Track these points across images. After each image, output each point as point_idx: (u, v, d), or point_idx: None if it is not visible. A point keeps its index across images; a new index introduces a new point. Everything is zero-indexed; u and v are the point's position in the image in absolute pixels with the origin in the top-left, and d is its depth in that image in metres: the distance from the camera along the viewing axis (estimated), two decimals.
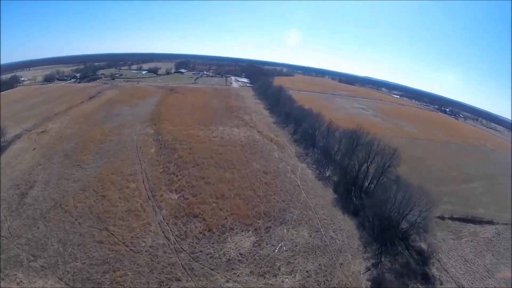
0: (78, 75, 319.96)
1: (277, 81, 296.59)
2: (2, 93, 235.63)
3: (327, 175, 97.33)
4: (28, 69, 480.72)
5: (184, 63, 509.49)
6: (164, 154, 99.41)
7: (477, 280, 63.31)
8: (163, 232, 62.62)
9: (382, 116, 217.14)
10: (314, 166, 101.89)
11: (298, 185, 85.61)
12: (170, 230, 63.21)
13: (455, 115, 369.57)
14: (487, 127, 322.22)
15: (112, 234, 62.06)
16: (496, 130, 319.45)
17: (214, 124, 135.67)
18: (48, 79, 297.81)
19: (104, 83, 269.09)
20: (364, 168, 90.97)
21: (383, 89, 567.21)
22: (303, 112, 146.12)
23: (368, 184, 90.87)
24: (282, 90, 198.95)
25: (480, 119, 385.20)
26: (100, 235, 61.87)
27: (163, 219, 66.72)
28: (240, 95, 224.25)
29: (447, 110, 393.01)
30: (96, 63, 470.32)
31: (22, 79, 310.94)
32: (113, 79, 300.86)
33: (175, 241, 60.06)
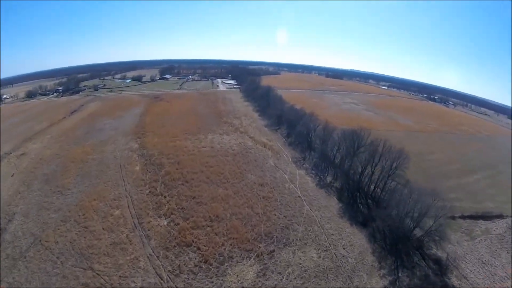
0: (60, 88, 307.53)
1: (265, 80, 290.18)
2: None
3: (329, 181, 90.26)
4: (11, 85, 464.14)
5: (169, 68, 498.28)
6: (150, 172, 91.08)
7: (496, 283, 59.00)
8: (153, 268, 54.58)
9: (374, 109, 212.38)
10: (314, 172, 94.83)
11: (299, 196, 78.46)
12: (162, 265, 55.22)
13: (445, 103, 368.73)
14: (477, 112, 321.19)
15: (97, 274, 53.92)
16: (486, 114, 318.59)
17: (203, 132, 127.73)
18: (30, 95, 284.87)
19: (87, 95, 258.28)
20: (368, 171, 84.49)
21: (370, 81, 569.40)
22: (296, 112, 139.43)
23: (374, 188, 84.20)
24: (271, 91, 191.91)
25: (469, 104, 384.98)
26: (85, 275, 53.74)
27: (153, 251, 58.64)
28: (228, 98, 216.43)
29: (436, 98, 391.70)
30: (80, 75, 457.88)
31: (4, 96, 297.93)
32: (96, 90, 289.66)
33: (168, 279, 52.13)
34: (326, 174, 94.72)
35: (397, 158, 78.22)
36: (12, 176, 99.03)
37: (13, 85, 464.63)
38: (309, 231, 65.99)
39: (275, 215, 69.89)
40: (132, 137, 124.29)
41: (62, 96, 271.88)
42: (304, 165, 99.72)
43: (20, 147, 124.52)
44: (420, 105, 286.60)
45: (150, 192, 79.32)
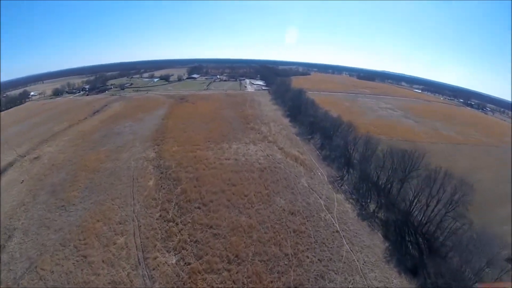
0: (87, 87, 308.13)
1: (295, 81, 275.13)
2: (10, 110, 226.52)
3: (372, 210, 74.18)
4: (42, 82, 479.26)
5: (197, 68, 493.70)
6: (164, 189, 79.31)
7: None
8: None
9: (413, 116, 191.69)
10: (354, 197, 78.76)
11: (337, 231, 63.28)
12: None
13: (482, 109, 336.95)
14: None
15: None
16: None
17: (227, 140, 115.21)
18: (57, 93, 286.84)
19: (112, 95, 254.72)
20: (422, 203, 68.06)
21: (403, 83, 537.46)
22: (331, 120, 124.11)
23: (426, 222, 67.53)
24: (302, 94, 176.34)
25: (506, 111, 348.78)
26: None
27: None
28: (256, 101, 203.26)
29: (473, 104, 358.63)
30: (109, 73, 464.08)
31: (32, 93, 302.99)
32: (123, 89, 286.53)
33: None
34: (368, 201, 78.46)
35: (458, 189, 61.09)
36: (21, 182, 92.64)
37: (44, 81, 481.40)
38: (348, 282, 51.16)
39: (307, 257, 55.34)
40: (150, 144, 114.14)
41: (87, 95, 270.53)
42: (342, 187, 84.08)
43: (36, 149, 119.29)
44: (458, 111, 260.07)
45: (160, 216, 67.25)
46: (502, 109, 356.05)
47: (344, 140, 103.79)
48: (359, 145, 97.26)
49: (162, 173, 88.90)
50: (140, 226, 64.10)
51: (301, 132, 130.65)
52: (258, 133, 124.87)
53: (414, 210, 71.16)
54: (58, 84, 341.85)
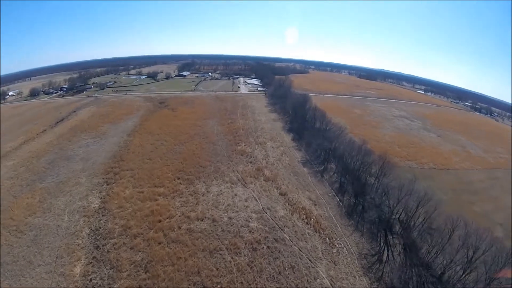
0: (65, 87, 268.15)
1: (294, 80, 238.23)
2: None
3: None
4: (29, 79, 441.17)
5: (189, 64, 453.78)
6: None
7: None
8: None
9: (433, 128, 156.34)
10: None
11: None
12: None
13: (491, 114, 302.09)
14: None
15: None
16: None
17: (205, 176, 78.43)
18: (33, 93, 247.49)
19: (89, 96, 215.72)
20: None
21: (404, 83, 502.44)
22: (351, 145, 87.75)
23: None
24: (307, 101, 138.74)
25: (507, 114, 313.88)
26: None
27: None
28: (250, 107, 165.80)
29: (481, 109, 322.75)
30: (98, 69, 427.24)
31: (10, 93, 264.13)
32: (103, 89, 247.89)
33: None
34: None
35: None
36: None
37: (31, 78, 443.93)
38: None
39: None
40: (99, 181, 77.51)
41: (63, 96, 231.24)
42: (386, 278, 48.13)
43: None
44: (471, 119, 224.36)
45: None
46: (508, 114, 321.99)
47: (378, 182, 67.23)
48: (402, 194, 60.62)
49: (97, 248, 52.34)
50: None
51: (310, 159, 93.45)
52: (250, 162, 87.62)
53: None
54: (43, 81, 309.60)
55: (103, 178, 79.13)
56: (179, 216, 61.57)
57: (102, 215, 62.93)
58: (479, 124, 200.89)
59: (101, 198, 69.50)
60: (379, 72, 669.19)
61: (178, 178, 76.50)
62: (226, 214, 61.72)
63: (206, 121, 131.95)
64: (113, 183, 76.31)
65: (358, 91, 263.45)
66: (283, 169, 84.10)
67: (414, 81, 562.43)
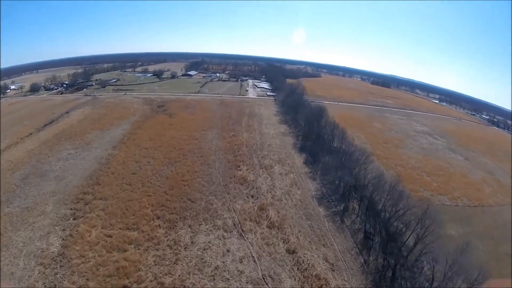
0: (66, 83, 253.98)
1: (306, 85, 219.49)
2: None
3: None
4: (37, 71, 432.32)
5: (198, 63, 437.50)
6: None
7: None
8: None
9: (459, 149, 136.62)
10: None
11: None
12: None
13: (508, 129, 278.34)
14: None
15: None
16: None
17: (191, 217, 60.79)
18: (34, 89, 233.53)
19: (87, 95, 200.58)
20: None
21: (417, 91, 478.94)
22: (374, 175, 69.27)
23: None
24: (324, 115, 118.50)
25: None
26: None
27: None
28: (257, 115, 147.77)
29: (499, 123, 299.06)
30: (106, 65, 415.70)
31: (12, 87, 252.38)
32: (104, 87, 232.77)
33: None
34: None
35: None
36: None
37: (38, 71, 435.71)
38: None
39: None
40: (65, 214, 61.44)
41: (62, 94, 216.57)
42: None
43: None
44: (491, 135, 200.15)
45: None
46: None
47: (419, 241, 48.76)
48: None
49: None
50: None
51: (326, 194, 74.27)
52: (252, 196, 69.26)
53: None
54: (49, 75, 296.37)
55: (71, 209, 62.67)
56: (150, 281, 44.41)
57: (60, 266, 47.34)
58: (500, 142, 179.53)
59: (62, 239, 53.31)
60: (392, 78, 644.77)
61: (158, 218, 59.01)
62: (212, 284, 44.13)
63: (205, 132, 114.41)
64: (81, 217, 59.75)
65: (374, 100, 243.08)
66: (293, 209, 65.69)
67: (426, 89, 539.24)
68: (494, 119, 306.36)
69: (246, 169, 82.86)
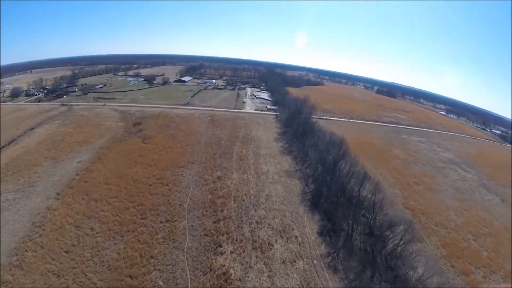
0: (47, 88, 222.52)
1: (309, 93, 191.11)
2: None
3: None
4: (30, 71, 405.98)
5: (196, 68, 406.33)
6: None
7: None
8: None
9: (491, 184, 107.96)
10: None
11: None
12: None
13: None
14: None
15: None
16: None
17: None
18: (15, 94, 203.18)
19: (63, 104, 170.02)
20: None
21: (421, 100, 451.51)
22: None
23: None
24: (341, 145, 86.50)
25: None
26: None
27: None
28: (254, 140, 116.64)
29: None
30: (100, 66, 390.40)
31: None
32: (86, 94, 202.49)
33: None
34: None
35: None
36: None
37: (32, 71, 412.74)
38: None
39: None
40: None
41: (39, 101, 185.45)
42: None
43: None
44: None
45: None
46: None
47: None
48: None
49: None
50: None
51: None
52: None
53: None
54: (42, 75, 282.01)
55: None
56: None
57: None
58: None
59: None
60: (392, 85, 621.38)
61: None
62: None
63: (182, 171, 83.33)
64: None
65: (386, 115, 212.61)
66: None
67: (429, 98, 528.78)
68: (505, 134, 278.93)
69: (231, 252, 52.11)
